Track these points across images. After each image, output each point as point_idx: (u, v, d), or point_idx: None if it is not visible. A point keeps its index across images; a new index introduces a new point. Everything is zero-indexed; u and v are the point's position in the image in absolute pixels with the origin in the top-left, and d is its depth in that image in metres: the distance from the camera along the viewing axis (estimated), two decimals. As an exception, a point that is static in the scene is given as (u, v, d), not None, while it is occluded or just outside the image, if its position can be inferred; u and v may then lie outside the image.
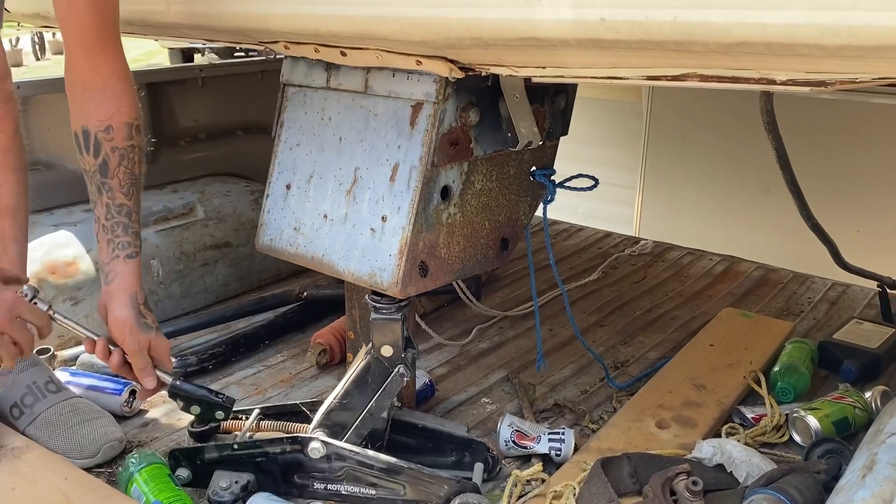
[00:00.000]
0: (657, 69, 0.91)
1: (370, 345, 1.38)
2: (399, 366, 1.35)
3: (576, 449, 1.55)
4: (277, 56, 1.48)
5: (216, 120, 2.52)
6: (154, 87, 2.33)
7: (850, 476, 1.24)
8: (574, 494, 1.42)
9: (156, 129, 2.37)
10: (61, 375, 1.72)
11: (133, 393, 1.70)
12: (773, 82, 0.85)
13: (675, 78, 0.92)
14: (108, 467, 1.54)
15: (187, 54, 3.64)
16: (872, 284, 2.16)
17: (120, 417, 1.67)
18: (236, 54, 3.15)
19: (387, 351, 1.35)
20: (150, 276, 2.14)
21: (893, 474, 1.16)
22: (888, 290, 2.06)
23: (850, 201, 2.73)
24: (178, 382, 1.44)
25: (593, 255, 2.71)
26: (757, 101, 1.69)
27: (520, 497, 1.43)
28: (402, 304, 1.35)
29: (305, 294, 2.20)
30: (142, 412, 1.73)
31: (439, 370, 1.93)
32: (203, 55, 3.59)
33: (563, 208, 3.20)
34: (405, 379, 1.36)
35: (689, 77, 0.90)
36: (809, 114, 2.79)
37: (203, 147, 2.51)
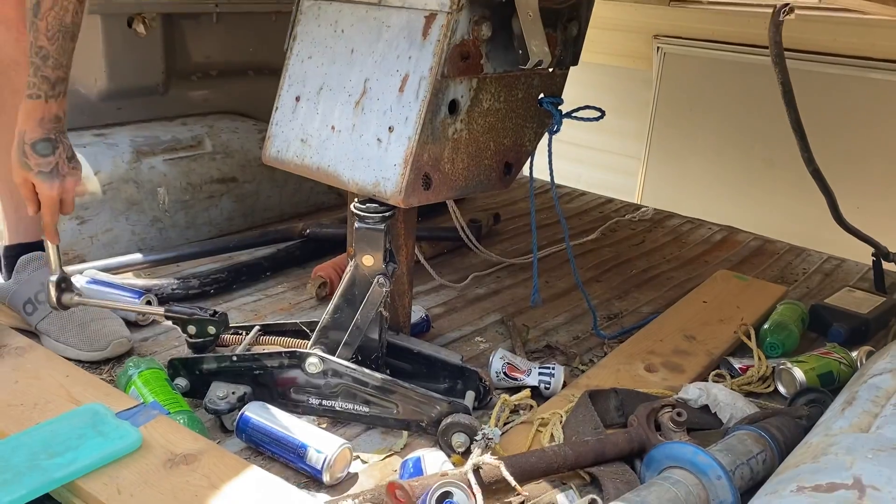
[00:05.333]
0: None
1: (353, 257, 1.40)
2: (378, 275, 1.37)
3: (564, 385, 1.58)
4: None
5: (228, 58, 2.54)
6: (169, 18, 2.34)
7: (830, 412, 1.27)
8: (561, 421, 1.44)
9: (168, 61, 2.38)
10: (78, 281, 1.76)
11: (149, 303, 1.76)
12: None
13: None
14: (109, 372, 1.57)
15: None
16: (867, 259, 2.18)
17: (131, 325, 1.71)
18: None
19: (368, 261, 1.37)
20: (157, 202, 2.16)
21: (872, 408, 1.18)
22: (883, 261, 2.08)
23: (853, 175, 2.74)
24: (170, 307, 1.49)
25: (594, 218, 2.73)
26: (764, 73, 1.70)
27: (506, 423, 1.46)
28: (386, 214, 1.36)
29: (308, 231, 2.22)
30: (154, 322, 1.77)
31: (436, 310, 1.96)
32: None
33: (567, 175, 3.23)
34: (385, 289, 1.37)
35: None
36: (812, 90, 2.81)
37: (214, 84, 2.52)
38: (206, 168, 2.28)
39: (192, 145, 2.29)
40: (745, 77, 3.00)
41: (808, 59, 2.81)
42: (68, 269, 1.88)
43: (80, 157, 2.07)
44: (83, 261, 2.00)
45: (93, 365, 1.59)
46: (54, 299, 1.49)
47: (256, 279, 2.05)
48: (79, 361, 1.56)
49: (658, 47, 3.21)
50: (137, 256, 2.05)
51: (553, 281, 2.19)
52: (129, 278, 1.96)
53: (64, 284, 1.50)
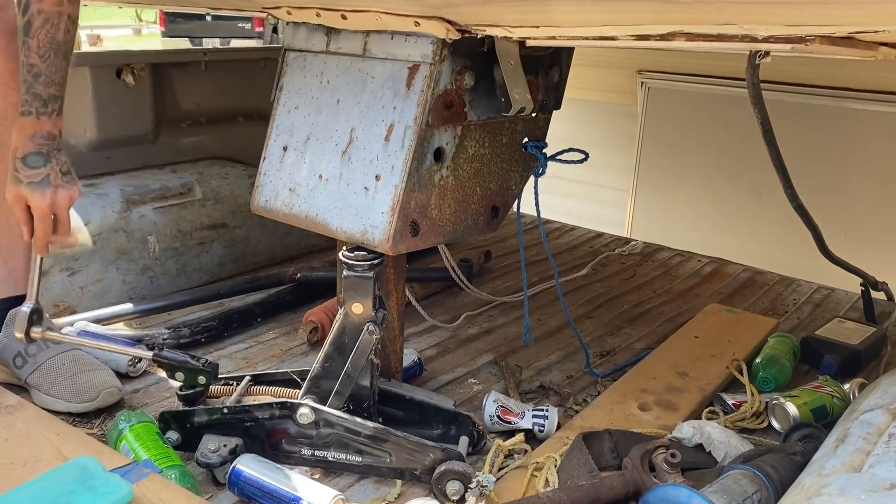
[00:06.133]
0: (645, 27, 0.94)
1: (343, 304, 1.41)
2: (368, 323, 1.37)
3: (558, 427, 1.57)
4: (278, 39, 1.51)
5: (217, 105, 2.56)
6: (158, 67, 2.37)
7: (823, 450, 1.26)
8: (555, 466, 1.44)
9: (157, 110, 2.40)
10: (69, 332, 1.76)
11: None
12: (755, 39, 0.89)
13: (662, 37, 0.95)
14: (100, 427, 1.56)
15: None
16: (857, 287, 2.19)
17: (122, 377, 1.70)
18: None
19: (357, 308, 1.37)
20: (147, 251, 2.16)
21: (864, 446, 1.18)
22: (871, 291, 2.09)
23: (839, 205, 2.77)
24: (160, 352, 1.49)
25: (584, 253, 2.75)
26: (747, 105, 1.73)
27: (501, 468, 1.45)
28: (375, 262, 1.37)
29: (299, 276, 2.23)
30: (146, 373, 1.76)
31: (429, 352, 1.95)
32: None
33: (556, 209, 3.25)
34: (375, 336, 1.37)
35: (676, 36, 0.94)
36: (801, 120, 2.85)
37: (204, 130, 2.54)
38: (197, 215, 2.29)
39: (182, 192, 2.30)
40: (730, 109, 3.03)
41: (791, 91, 2.85)
42: (58, 320, 1.89)
43: (72, 212, 2.13)
44: (74, 312, 2.00)
45: (83, 418, 1.57)
46: (23, 332, 1.46)
47: (248, 326, 2.05)
48: (70, 414, 1.56)
49: (642, 82, 3.25)
50: (128, 306, 2.05)
51: (545, 318, 2.19)
52: (119, 329, 1.95)
53: (35, 316, 1.48)
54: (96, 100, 2.23)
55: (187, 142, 2.51)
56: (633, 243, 2.83)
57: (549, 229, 3.00)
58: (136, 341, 1.80)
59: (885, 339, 2.00)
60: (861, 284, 2.08)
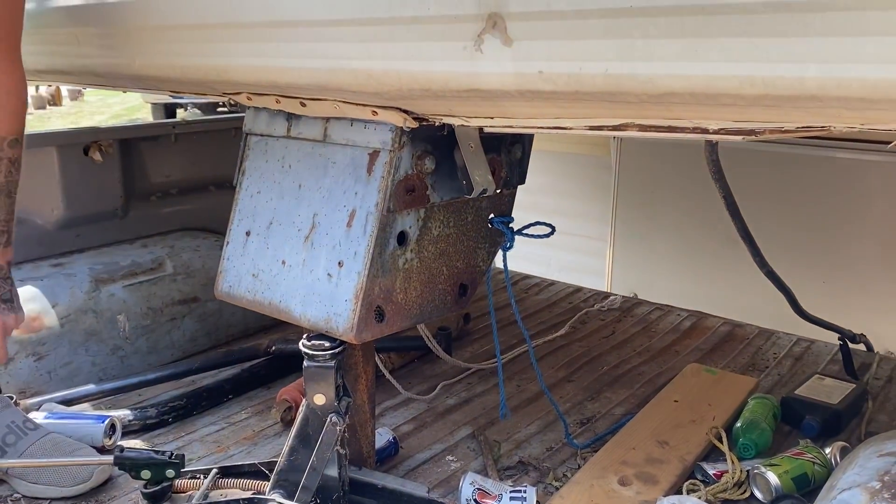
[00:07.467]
0: (597, 119, 0.94)
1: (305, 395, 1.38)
2: (331, 414, 1.34)
3: (538, 506, 1.53)
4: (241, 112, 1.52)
5: (188, 175, 2.54)
6: (126, 143, 2.36)
7: (805, 530, 1.23)
8: (534, 551, 1.40)
9: (126, 184, 2.38)
10: (36, 416, 1.75)
11: (113, 426, 1.74)
12: (706, 131, 0.88)
13: (615, 128, 0.95)
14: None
15: (170, 110, 3.69)
16: (835, 338, 2.18)
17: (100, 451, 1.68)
18: (219, 109, 3.20)
19: (319, 399, 1.34)
20: (117, 331, 2.13)
21: (844, 528, 1.15)
22: (850, 344, 2.08)
23: (816, 255, 2.78)
24: (120, 452, 1.47)
25: (563, 310, 2.73)
26: (721, 155, 1.74)
27: (479, 555, 1.41)
28: (336, 351, 1.34)
29: (273, 348, 2.19)
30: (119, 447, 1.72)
31: (405, 427, 1.91)
32: (185, 110, 3.65)
33: (537, 260, 3.25)
34: (338, 428, 1.34)
35: (628, 127, 0.94)
36: (777, 168, 2.87)
37: (175, 202, 2.52)
38: (168, 290, 2.26)
39: (153, 268, 2.27)
40: (702, 158, 3.05)
41: (766, 141, 2.87)
42: (24, 402, 1.84)
43: (36, 289, 2.09)
44: (40, 392, 1.95)
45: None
46: None
47: (218, 403, 2.00)
48: (63, 499, 1.54)
49: (614, 136, 3.28)
50: (96, 386, 2.00)
51: (524, 384, 2.16)
52: (86, 411, 1.90)
53: None
54: (64, 178, 2.21)
55: (158, 214, 2.48)
56: (611, 298, 2.82)
57: (528, 285, 2.98)
58: (103, 418, 1.77)
59: (865, 394, 1.98)
60: (839, 339, 2.07)
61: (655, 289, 3.07)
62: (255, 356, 2.20)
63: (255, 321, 2.47)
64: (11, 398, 1.81)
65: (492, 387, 2.14)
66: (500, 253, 1.59)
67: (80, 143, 2.24)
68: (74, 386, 2.01)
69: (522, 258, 2.98)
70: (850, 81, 0.67)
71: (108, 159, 2.30)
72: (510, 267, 1.59)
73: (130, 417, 1.84)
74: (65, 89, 13.98)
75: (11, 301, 1.47)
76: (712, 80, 0.75)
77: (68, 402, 1.91)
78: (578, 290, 2.95)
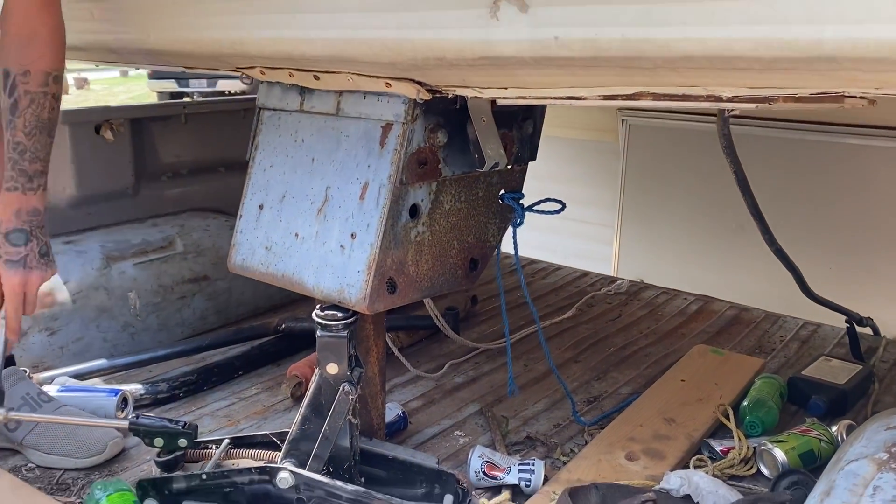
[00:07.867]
0: (612, 88, 0.95)
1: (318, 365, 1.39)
2: (343, 384, 1.35)
3: (546, 480, 1.55)
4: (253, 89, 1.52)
5: (198, 156, 2.55)
6: (138, 122, 2.37)
7: (810, 502, 1.25)
8: (542, 522, 1.41)
9: (137, 164, 2.39)
10: (49, 389, 1.76)
11: (125, 400, 1.76)
12: (720, 99, 0.89)
13: (629, 97, 0.96)
14: (78, 495, 1.53)
15: (176, 98, 3.70)
16: (842, 322, 2.19)
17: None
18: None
19: (332, 369, 1.36)
20: (128, 308, 2.14)
21: (850, 498, 1.16)
22: (856, 327, 2.09)
23: (823, 240, 2.78)
24: (136, 418, 1.48)
25: (570, 294, 2.74)
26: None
27: (487, 526, 1.42)
28: (349, 321, 1.36)
29: (283, 326, 2.20)
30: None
31: (413, 403, 1.93)
32: (192, 98, 3.66)
33: (543, 246, 3.25)
34: (351, 397, 1.35)
35: (642, 96, 0.94)
36: (786, 154, 2.86)
37: (184, 182, 2.53)
38: (178, 268, 2.28)
39: (163, 246, 2.29)
40: (711, 144, 3.04)
41: (776, 127, 2.86)
42: (37, 376, 1.86)
43: None
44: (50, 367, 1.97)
45: (60, 486, 1.54)
46: None
47: (229, 379, 2.02)
48: (77, 470, 1.57)
49: (623, 120, 3.27)
50: (107, 361, 2.02)
51: (532, 364, 2.17)
52: (97, 385, 1.92)
53: None
54: (75, 157, 2.22)
55: (168, 194, 2.50)
56: (618, 282, 2.83)
57: (535, 269, 2.99)
58: (115, 391, 1.78)
59: (871, 376, 1.99)
60: (846, 321, 2.07)
61: (662, 275, 3.07)
62: (264, 335, 2.22)
63: (264, 300, 2.48)
64: (25, 371, 1.84)
65: (499, 366, 2.15)
66: (509, 230, 1.60)
67: (91, 122, 2.25)
68: (86, 361, 2.03)
69: (529, 245, 2.98)
70: (867, 42, 0.68)
71: (120, 138, 2.31)
72: (522, 253, 1.60)
73: (142, 392, 1.86)
74: (70, 78, 13.98)
75: (48, 255, 1.45)
76: (729, 43, 0.76)
77: (80, 376, 1.93)
78: (585, 274, 2.96)
